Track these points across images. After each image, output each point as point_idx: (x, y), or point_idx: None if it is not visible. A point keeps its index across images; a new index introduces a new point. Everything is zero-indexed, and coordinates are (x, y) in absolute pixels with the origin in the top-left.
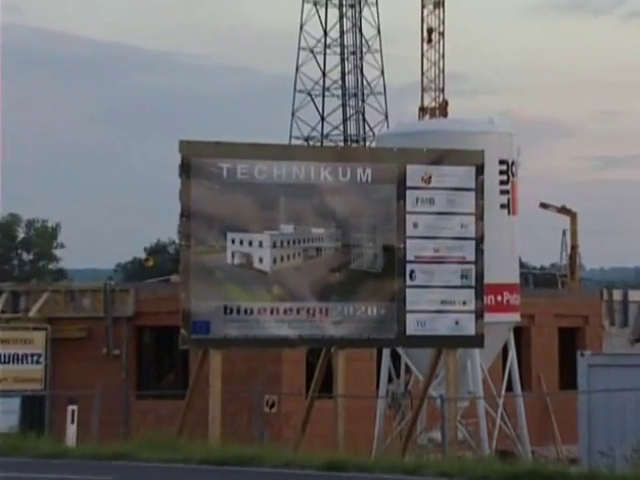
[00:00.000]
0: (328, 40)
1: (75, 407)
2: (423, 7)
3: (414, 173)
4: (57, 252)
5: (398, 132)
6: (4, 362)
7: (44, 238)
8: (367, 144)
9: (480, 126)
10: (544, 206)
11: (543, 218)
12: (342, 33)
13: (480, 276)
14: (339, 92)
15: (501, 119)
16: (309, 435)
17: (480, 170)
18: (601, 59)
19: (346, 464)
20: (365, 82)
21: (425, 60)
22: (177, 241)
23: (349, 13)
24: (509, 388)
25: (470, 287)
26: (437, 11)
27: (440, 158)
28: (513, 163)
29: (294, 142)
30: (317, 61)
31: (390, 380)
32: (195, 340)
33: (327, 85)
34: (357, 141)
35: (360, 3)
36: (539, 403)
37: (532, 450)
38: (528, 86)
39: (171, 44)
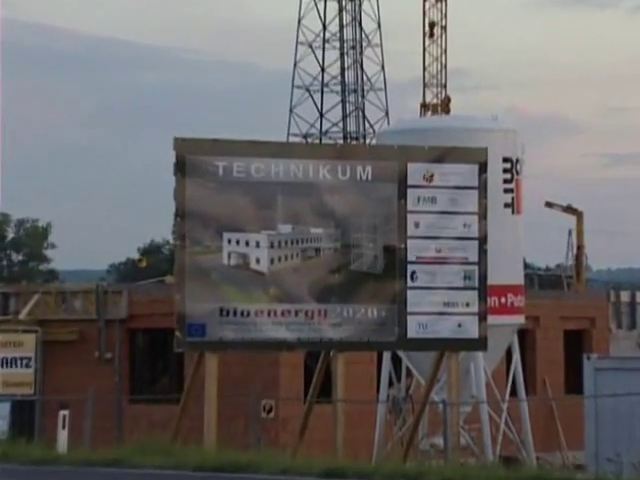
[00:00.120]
0: (327, 34)
1: (66, 412)
2: (425, 0)
3: (415, 171)
4: (48, 253)
5: (399, 129)
6: None
7: (34, 238)
8: (367, 141)
9: (483, 123)
10: (549, 205)
11: (548, 217)
12: (341, 27)
13: (483, 277)
14: (338, 88)
15: (505, 116)
16: (307, 441)
17: (483, 168)
18: (607, 53)
19: (346, 471)
20: (365, 78)
21: (427, 55)
22: (172, 241)
23: (349, 6)
24: (513, 392)
25: (473, 288)
26: (439, 4)
27: (442, 156)
28: (517, 161)
29: (292, 139)
30: (316, 56)
31: (391, 384)
32: (190, 343)
33: (326, 81)
34: (357, 138)
35: None
36: (544, 408)
37: (537, 456)
38: (532, 81)
39: (168, 40)
